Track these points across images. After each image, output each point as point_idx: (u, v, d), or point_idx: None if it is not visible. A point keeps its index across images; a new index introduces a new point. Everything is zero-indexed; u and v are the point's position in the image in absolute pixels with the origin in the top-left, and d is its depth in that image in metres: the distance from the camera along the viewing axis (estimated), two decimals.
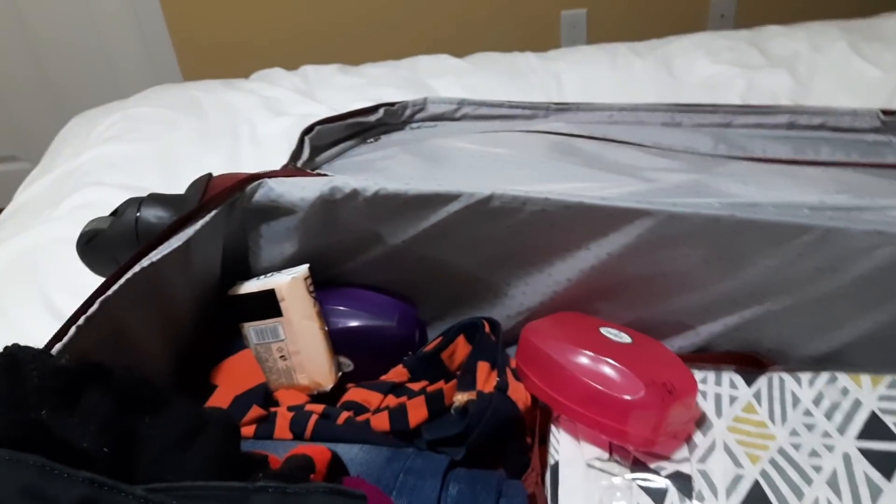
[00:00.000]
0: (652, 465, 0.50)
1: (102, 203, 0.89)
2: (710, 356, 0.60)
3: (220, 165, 0.95)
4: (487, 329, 0.59)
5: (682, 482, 0.48)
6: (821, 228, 0.51)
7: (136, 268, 0.47)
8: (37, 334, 0.73)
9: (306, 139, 0.77)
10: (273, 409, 0.56)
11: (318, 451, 0.42)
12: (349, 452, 0.51)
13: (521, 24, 2.03)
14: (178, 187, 0.86)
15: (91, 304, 0.44)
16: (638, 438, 0.50)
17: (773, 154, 0.78)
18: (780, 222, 0.52)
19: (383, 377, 0.59)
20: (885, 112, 0.83)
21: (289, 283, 0.57)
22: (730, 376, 0.56)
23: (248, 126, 1.02)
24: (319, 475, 0.41)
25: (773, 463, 0.49)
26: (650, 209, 0.53)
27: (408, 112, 0.93)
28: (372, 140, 0.91)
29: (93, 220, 0.58)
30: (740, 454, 0.50)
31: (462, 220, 0.57)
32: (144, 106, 1.11)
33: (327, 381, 0.59)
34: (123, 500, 0.34)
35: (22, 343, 0.39)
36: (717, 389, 0.55)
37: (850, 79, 0.99)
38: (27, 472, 0.34)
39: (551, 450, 0.54)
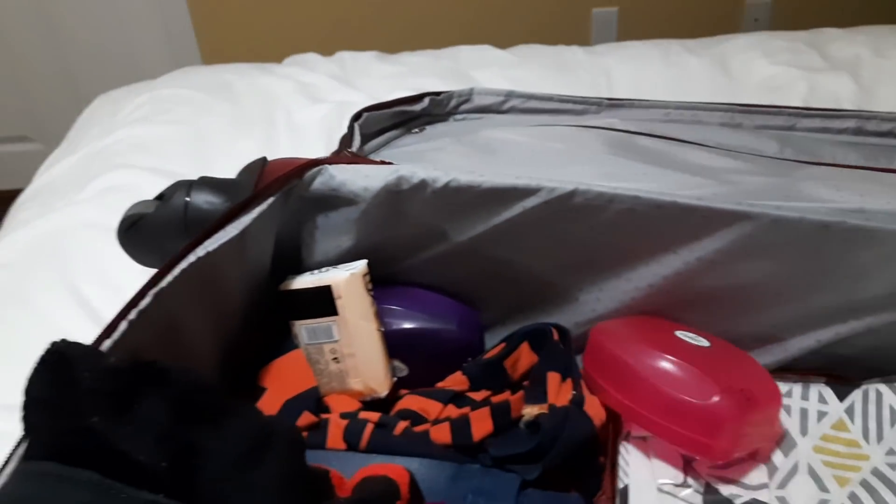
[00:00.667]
0: (726, 493, 0.46)
1: (131, 186, 0.85)
2: (797, 371, 0.56)
3: (255, 151, 0.91)
4: (556, 336, 0.55)
5: None
6: None
7: (192, 257, 0.43)
8: (65, 326, 0.70)
9: (356, 126, 0.73)
10: (324, 416, 0.52)
11: (398, 473, 0.37)
12: (408, 467, 0.47)
13: (550, 20, 1.99)
14: (210, 172, 0.82)
15: (143, 297, 0.40)
16: (713, 449, 0.45)
17: (843, 160, 0.74)
18: None
19: (440, 384, 0.55)
20: None
21: (347, 279, 0.52)
22: (819, 389, 0.52)
23: (284, 112, 0.97)
24: (404, 501, 0.36)
25: (865, 484, 0.45)
26: (751, 212, 0.48)
27: (453, 102, 0.89)
28: (417, 130, 0.87)
29: (136, 204, 0.53)
30: (826, 477, 0.47)
31: (538, 218, 0.52)
32: (174, 87, 1.06)
33: (382, 387, 0.54)
34: None
35: (53, 337, 0.35)
36: (803, 404, 0.51)
37: None
38: (81, 491, 0.30)
39: (620, 472, 0.50)
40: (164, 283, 0.41)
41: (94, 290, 0.73)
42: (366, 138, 0.79)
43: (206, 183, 0.53)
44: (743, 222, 0.49)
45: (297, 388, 0.52)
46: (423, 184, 0.51)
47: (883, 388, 0.50)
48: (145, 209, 0.52)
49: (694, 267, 0.52)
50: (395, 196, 0.52)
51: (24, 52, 1.99)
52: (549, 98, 0.90)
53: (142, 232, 0.52)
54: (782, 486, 0.47)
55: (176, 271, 0.42)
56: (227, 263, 0.47)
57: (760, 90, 0.96)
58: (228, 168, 0.72)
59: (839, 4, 2.00)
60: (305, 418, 0.50)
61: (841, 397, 0.51)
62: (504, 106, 0.90)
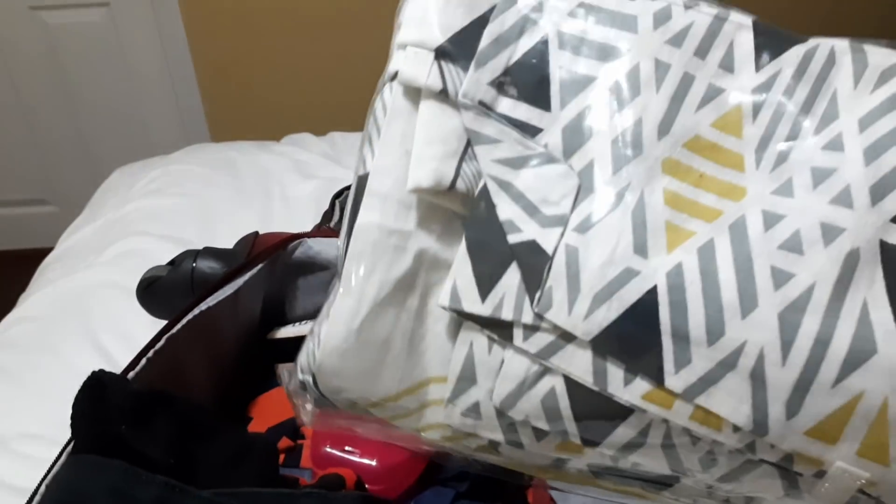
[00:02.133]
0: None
1: (145, 251, 0.97)
2: None
3: (253, 221, 1.03)
4: None
5: (532, 260, 0.41)
6: None
7: (196, 311, 0.55)
8: (86, 369, 0.80)
9: (336, 202, 0.86)
10: (300, 442, 0.63)
11: (347, 473, 0.49)
12: None
13: None
14: (215, 240, 0.94)
15: (159, 340, 0.52)
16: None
17: None
18: None
19: None
20: None
21: None
22: (734, 34, 0.42)
23: (279, 186, 1.11)
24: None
25: (704, 250, 0.39)
26: None
27: None
28: None
29: (152, 269, 0.66)
30: (654, 231, 0.40)
31: None
32: (183, 163, 1.20)
33: None
34: (192, 501, 0.41)
35: (77, 380, 0.47)
36: (691, 63, 0.42)
37: None
38: (113, 473, 0.41)
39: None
40: (174, 330, 0.54)
41: (111, 340, 0.84)
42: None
43: (209, 252, 0.65)
44: None
45: (279, 418, 0.64)
46: None
47: (841, 44, 0.41)
48: (159, 272, 0.64)
49: None
50: None
51: (45, 122, 2.11)
52: None
53: (156, 291, 0.64)
54: (585, 228, 0.40)
55: (184, 321, 0.54)
56: (223, 316, 0.59)
57: None
58: (230, 234, 0.85)
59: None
60: (284, 442, 0.62)
61: (760, 59, 0.42)
62: None
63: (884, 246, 0.37)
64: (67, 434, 0.45)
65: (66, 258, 1.03)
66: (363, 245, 0.44)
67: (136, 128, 2.15)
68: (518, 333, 0.41)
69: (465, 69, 0.43)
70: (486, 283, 0.42)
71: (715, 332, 0.38)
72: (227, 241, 0.79)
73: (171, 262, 0.65)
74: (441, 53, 0.43)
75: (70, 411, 0.44)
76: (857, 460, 0.37)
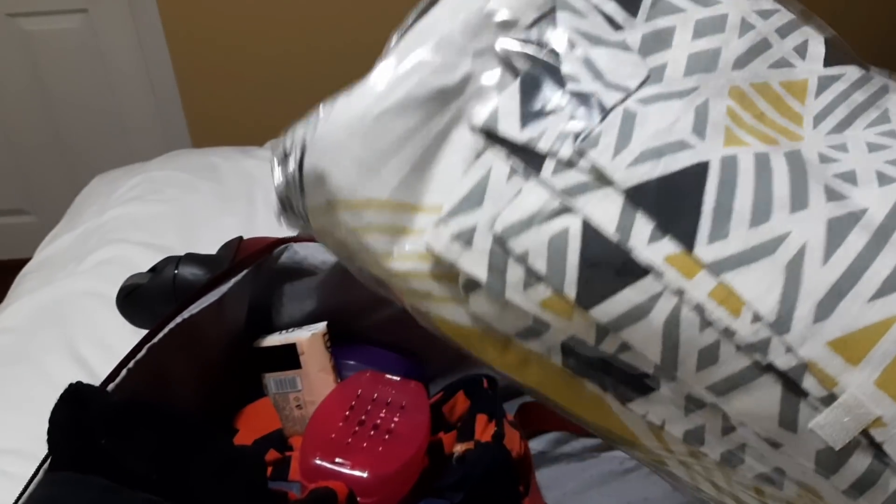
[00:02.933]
0: None
1: (125, 259, 0.95)
2: None
3: (237, 227, 1.01)
4: (486, 385, 0.65)
5: (585, 106, 0.41)
6: None
7: (178, 319, 0.53)
8: (64, 381, 0.78)
9: None
10: (288, 454, 0.61)
11: (338, 486, 0.47)
12: None
13: None
14: (197, 246, 0.92)
15: (139, 350, 0.50)
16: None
17: None
18: None
19: None
20: None
21: (309, 338, 0.62)
22: (810, 36, 0.47)
23: (263, 191, 1.09)
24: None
25: (761, 159, 0.38)
26: None
27: None
28: None
29: (133, 276, 0.64)
30: (715, 125, 0.40)
31: None
32: (165, 169, 1.18)
33: None
34: None
35: (55, 391, 0.45)
36: (772, 35, 0.45)
37: None
38: (92, 491, 0.40)
39: None
40: (156, 339, 0.52)
41: (91, 350, 0.82)
42: None
43: (192, 258, 0.63)
44: None
45: (266, 429, 0.62)
46: None
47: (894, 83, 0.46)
48: (140, 280, 0.62)
49: None
50: None
51: (24, 130, 2.09)
52: None
53: (137, 299, 0.62)
54: (647, 102, 0.40)
55: (166, 330, 0.52)
56: (207, 324, 0.57)
57: None
58: (213, 241, 0.83)
59: None
60: (272, 454, 0.60)
61: (829, 62, 0.45)
62: None
63: None
64: (47, 449, 0.43)
65: (44, 268, 1.01)
66: (424, 36, 0.42)
67: (116, 135, 2.12)
68: (549, 166, 0.39)
69: None
70: (530, 116, 0.40)
71: (760, 216, 0.36)
72: (210, 248, 0.78)
73: (153, 269, 0.63)
74: None
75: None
76: (874, 392, 0.34)
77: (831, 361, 0.35)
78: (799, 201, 0.36)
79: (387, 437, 0.57)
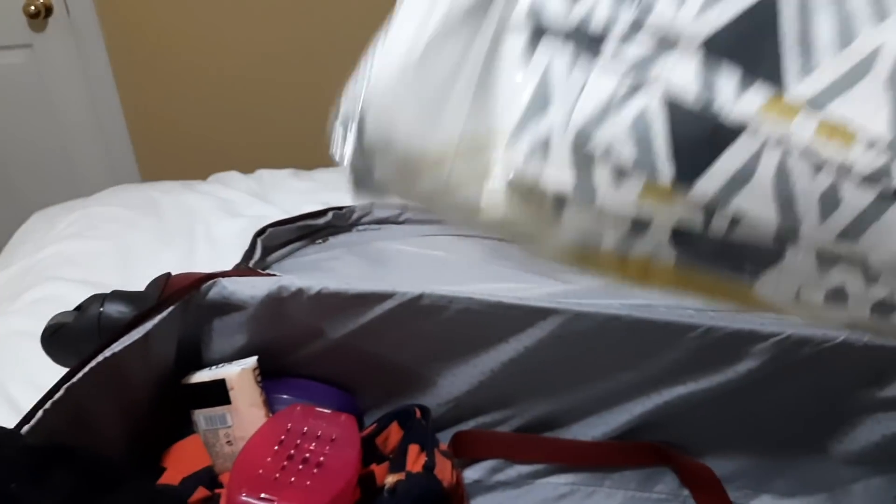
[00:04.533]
0: None
1: (61, 297, 0.93)
2: (618, 445, 0.67)
3: (176, 263, 1.01)
4: (419, 415, 0.65)
5: None
6: (704, 327, 0.60)
7: (100, 357, 0.53)
8: None
9: (258, 241, 0.84)
10: (217, 491, 0.60)
11: None
12: None
13: None
14: (135, 283, 0.91)
15: (58, 390, 0.50)
16: None
17: None
18: (669, 321, 0.60)
19: None
20: None
21: (238, 373, 0.62)
22: None
23: (203, 226, 1.08)
24: None
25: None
26: (559, 308, 0.61)
27: (355, 215, 1.01)
28: (320, 241, 0.99)
29: (58, 315, 0.63)
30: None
31: (395, 317, 0.63)
32: (104, 205, 1.17)
33: None
34: None
35: None
36: None
37: None
38: None
39: None
40: (75, 378, 0.51)
41: (22, 391, 0.80)
42: (270, 250, 0.90)
43: (118, 295, 0.63)
44: (554, 316, 0.61)
45: (195, 467, 0.61)
46: (299, 291, 0.63)
47: None
48: (65, 319, 0.62)
49: (523, 353, 0.64)
50: (278, 302, 0.63)
51: None
52: None
53: (62, 338, 0.61)
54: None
55: (86, 369, 0.52)
56: (132, 361, 0.57)
57: None
58: (151, 277, 0.82)
59: None
60: (200, 492, 0.59)
61: None
62: (401, 217, 1.02)
63: None
64: None
65: None
66: None
67: (63, 171, 2.09)
68: (610, 44, 0.36)
69: None
70: None
71: (846, 35, 0.34)
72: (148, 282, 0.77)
73: (78, 308, 0.63)
74: None
75: None
76: None
77: None
78: (880, 10, 0.33)
79: (316, 470, 0.57)
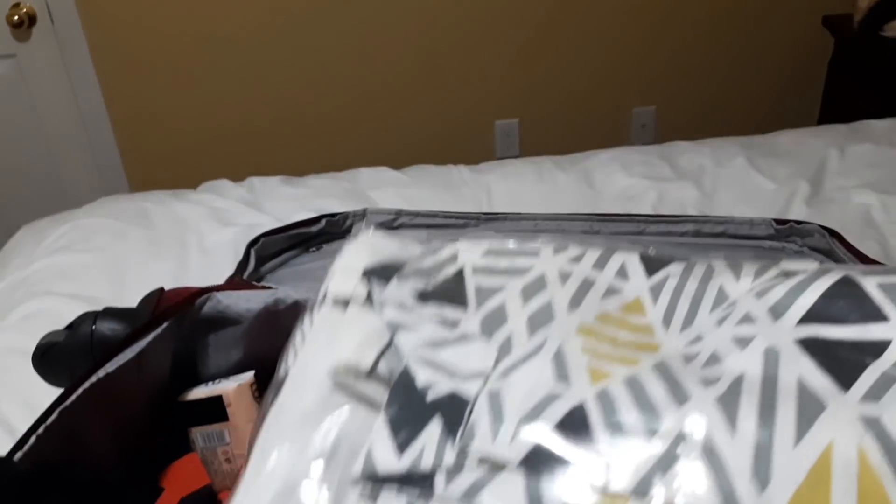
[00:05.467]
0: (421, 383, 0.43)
1: (52, 312, 0.92)
2: None
3: (168, 274, 0.99)
4: None
5: (453, 409, 0.40)
6: None
7: (93, 378, 0.52)
8: None
9: (252, 251, 0.83)
10: None
11: None
12: None
13: (456, 131, 2.16)
14: (127, 296, 0.89)
15: (51, 414, 0.48)
16: None
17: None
18: None
19: None
20: (778, 221, 0.93)
21: (235, 389, 0.61)
22: (623, 259, 0.48)
23: (196, 236, 1.07)
24: None
25: (631, 382, 0.38)
26: None
27: (348, 222, 1.00)
28: (314, 249, 0.97)
29: (49, 333, 0.62)
30: (575, 367, 0.40)
31: None
32: (94, 217, 1.15)
33: None
34: None
35: None
36: (591, 273, 0.47)
37: (749, 191, 1.10)
38: None
39: None
40: (68, 401, 0.49)
41: (14, 411, 0.79)
42: (264, 260, 0.89)
43: (110, 313, 0.61)
44: None
45: (193, 486, 0.60)
46: (296, 304, 0.61)
47: (718, 262, 0.47)
48: (56, 338, 0.60)
49: None
50: (274, 315, 0.62)
51: None
52: (434, 214, 1.02)
53: (53, 358, 0.60)
54: (506, 374, 0.40)
55: (79, 391, 0.50)
56: (126, 380, 0.55)
57: (618, 200, 1.10)
58: (144, 289, 0.80)
59: (713, 108, 2.23)
60: None
61: (651, 271, 0.47)
62: (395, 223, 1.01)
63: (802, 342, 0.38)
64: None
65: None
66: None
67: (50, 183, 2.07)
68: (440, 480, 0.37)
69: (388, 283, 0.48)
70: (404, 440, 0.40)
71: (650, 428, 0.36)
72: (141, 297, 0.75)
73: (70, 326, 0.61)
74: (367, 272, 0.49)
75: None
76: None
77: None
78: (681, 396, 0.37)
79: None
